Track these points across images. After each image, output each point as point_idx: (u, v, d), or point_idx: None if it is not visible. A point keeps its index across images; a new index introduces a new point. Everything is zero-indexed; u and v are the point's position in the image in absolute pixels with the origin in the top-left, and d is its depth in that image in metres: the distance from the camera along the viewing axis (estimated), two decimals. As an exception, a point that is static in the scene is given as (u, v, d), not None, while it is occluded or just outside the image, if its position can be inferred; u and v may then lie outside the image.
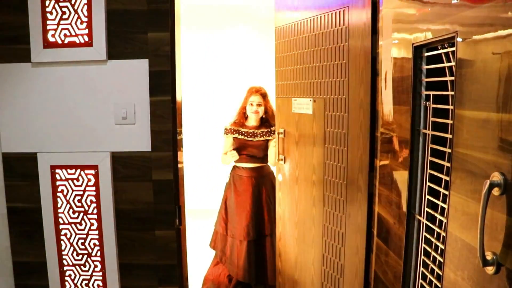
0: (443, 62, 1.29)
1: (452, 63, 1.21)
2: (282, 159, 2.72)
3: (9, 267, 2.08)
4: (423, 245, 1.44)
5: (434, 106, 1.37)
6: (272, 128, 3.19)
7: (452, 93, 1.19)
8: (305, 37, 2.46)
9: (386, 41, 1.76)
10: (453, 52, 1.20)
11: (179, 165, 1.97)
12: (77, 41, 1.89)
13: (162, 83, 1.88)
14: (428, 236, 1.40)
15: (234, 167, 3.25)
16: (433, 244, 1.37)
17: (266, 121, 3.23)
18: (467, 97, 1.11)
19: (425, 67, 1.42)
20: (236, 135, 3.19)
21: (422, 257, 1.45)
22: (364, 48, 1.96)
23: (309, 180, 2.47)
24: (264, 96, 3.20)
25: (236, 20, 5.45)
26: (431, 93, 1.38)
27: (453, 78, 1.19)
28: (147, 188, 1.94)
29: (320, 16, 2.30)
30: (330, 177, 2.27)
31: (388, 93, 1.73)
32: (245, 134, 3.16)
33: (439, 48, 1.32)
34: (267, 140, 3.20)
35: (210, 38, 5.46)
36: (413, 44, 1.44)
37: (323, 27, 2.28)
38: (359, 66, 1.99)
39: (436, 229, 1.34)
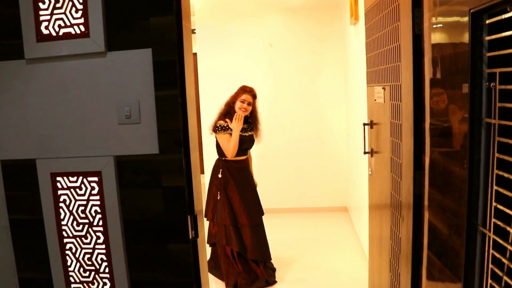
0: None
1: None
2: (369, 152, 2.69)
3: (15, 283, 1.91)
4: (490, 265, 1.14)
5: (502, 87, 1.05)
6: (251, 125, 3.52)
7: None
8: (377, 20, 2.30)
9: (433, 12, 1.44)
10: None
11: (193, 169, 1.73)
12: (73, 32, 1.67)
13: (168, 75, 1.63)
14: (497, 254, 1.10)
15: (227, 161, 3.39)
16: (505, 266, 1.06)
17: (246, 120, 3.45)
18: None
19: (487, 38, 1.11)
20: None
21: (489, 280, 1.14)
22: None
23: (382, 177, 2.37)
24: (254, 97, 3.44)
25: (265, 8, 5.17)
26: (497, 70, 1.07)
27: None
28: (157, 196, 1.71)
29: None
30: (393, 174, 2.12)
31: (437, 75, 1.42)
32: (241, 130, 3.37)
33: (509, 10, 1.00)
34: (252, 134, 3.50)
35: (239, 28, 5.21)
36: (470, 10, 1.13)
37: (386, 7, 2.09)
38: (408, 48, 1.72)
39: (509, 246, 1.03)
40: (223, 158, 3.39)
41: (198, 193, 1.80)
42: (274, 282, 3.46)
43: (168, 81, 1.63)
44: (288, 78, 5.21)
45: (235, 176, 3.38)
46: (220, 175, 3.36)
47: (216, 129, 3.36)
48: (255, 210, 3.44)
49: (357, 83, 4.02)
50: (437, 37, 1.43)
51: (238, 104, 3.35)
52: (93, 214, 1.76)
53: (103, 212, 1.74)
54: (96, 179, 1.73)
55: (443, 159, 1.37)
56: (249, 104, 3.37)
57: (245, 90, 3.40)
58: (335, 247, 4.21)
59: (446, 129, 1.33)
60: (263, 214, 3.56)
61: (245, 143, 3.41)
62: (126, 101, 1.68)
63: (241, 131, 3.35)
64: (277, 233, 4.67)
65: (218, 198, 3.35)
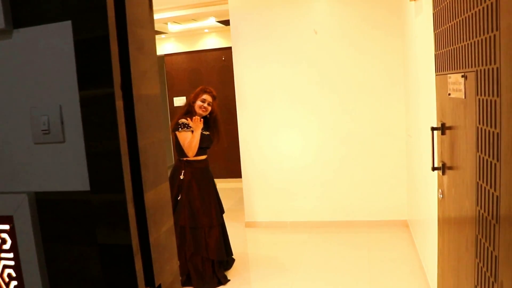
0: None
1: None
2: (439, 168, 2.05)
3: None
4: None
5: None
6: (208, 125, 3.63)
7: None
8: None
9: None
10: None
11: (150, 216, 1.07)
12: (-36, 2, 1.08)
13: (97, 63, 0.99)
14: None
15: (189, 162, 3.43)
16: None
17: (204, 120, 3.54)
18: None
19: None
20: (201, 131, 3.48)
21: None
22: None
23: (462, 208, 1.68)
24: (214, 98, 3.57)
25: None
26: None
27: None
28: (92, 258, 1.08)
29: None
30: (482, 210, 1.41)
31: None
32: (202, 128, 3.46)
33: None
34: (209, 134, 3.60)
35: (279, 14, 4.52)
36: None
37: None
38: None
39: None
40: (184, 159, 3.45)
41: (166, 252, 1.14)
42: (227, 281, 3.54)
43: (97, 73, 0.99)
44: (336, 70, 4.45)
45: (197, 177, 3.47)
46: (182, 176, 3.42)
47: (177, 127, 3.42)
48: (217, 210, 3.56)
49: (419, 72, 3.19)
50: None
51: (198, 104, 3.50)
52: (7, 280, 1.16)
53: (19, 278, 1.14)
54: (7, 227, 1.13)
55: None
56: (208, 104, 3.53)
57: (205, 90, 3.54)
58: (391, 268, 3.52)
59: None
60: (223, 212, 3.69)
61: (205, 142, 3.52)
62: (42, 108, 1.06)
63: (202, 129, 3.47)
64: (328, 248, 4.11)
65: (179, 198, 3.39)
